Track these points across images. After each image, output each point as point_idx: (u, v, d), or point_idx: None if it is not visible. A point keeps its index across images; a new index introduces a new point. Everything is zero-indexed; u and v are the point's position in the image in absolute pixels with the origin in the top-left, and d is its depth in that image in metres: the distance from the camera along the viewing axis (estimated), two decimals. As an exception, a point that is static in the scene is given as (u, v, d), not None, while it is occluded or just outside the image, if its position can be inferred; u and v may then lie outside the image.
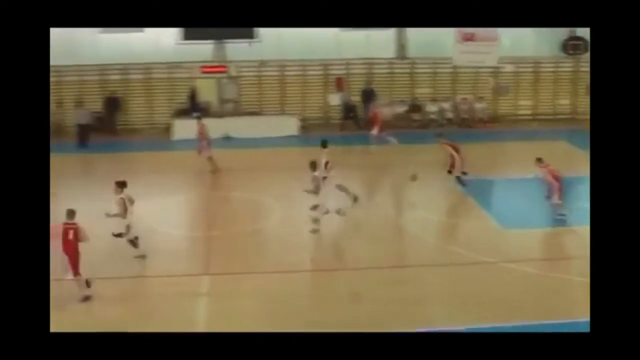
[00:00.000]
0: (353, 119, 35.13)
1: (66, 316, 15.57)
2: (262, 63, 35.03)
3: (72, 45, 34.37)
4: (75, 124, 32.49)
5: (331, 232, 20.43)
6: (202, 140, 26.55)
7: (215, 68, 34.63)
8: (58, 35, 33.81)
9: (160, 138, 32.77)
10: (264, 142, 30.71)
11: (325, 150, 22.28)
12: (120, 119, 34.73)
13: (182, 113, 33.97)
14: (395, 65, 36.12)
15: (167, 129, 33.63)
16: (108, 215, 18.03)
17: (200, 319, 15.36)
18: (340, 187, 21.86)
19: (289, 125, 33.49)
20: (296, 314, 15.31)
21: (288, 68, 35.42)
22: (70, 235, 16.05)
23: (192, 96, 34.42)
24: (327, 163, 21.43)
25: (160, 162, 28.81)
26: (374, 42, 35.68)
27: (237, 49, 34.39)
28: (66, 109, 33.42)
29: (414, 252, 19.45)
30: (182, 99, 34.64)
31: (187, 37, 33.40)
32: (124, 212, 18.12)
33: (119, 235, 18.28)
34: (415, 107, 35.64)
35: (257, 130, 32.55)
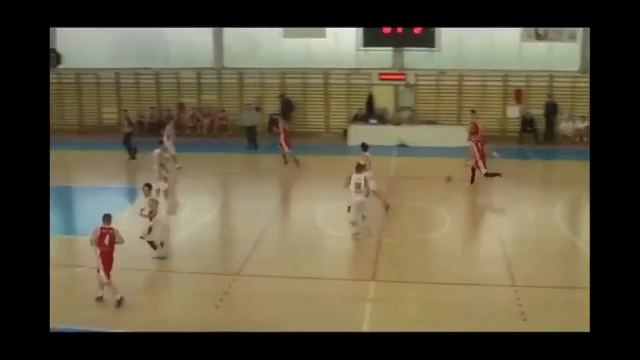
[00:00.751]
0: (532, 133, 34.15)
1: (234, 310, 16.00)
2: (441, 73, 34.67)
3: (255, 48, 35.53)
4: (242, 125, 33.38)
5: (514, 250, 19.80)
6: None
7: (394, 75, 34.63)
8: (241, 37, 35.61)
9: (336, 143, 33.07)
10: (439, 152, 30.32)
11: (366, 154, 22.46)
12: (296, 122, 35.42)
13: (359, 119, 34.17)
14: (578, 80, 34.74)
15: (343, 134, 33.92)
16: (141, 214, 18.61)
17: (364, 324, 15.26)
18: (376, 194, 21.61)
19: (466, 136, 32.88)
20: (461, 326, 14.90)
21: (467, 78, 34.86)
22: (107, 240, 15.97)
23: (370, 103, 34.56)
24: (360, 165, 21.12)
25: (335, 167, 29.00)
26: (557, 55, 34.53)
27: (417, 57, 34.22)
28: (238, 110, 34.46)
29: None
30: (359, 105, 34.84)
31: (367, 44, 33.61)
32: (152, 213, 18.58)
33: (149, 232, 18.80)
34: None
35: (433, 140, 32.22)
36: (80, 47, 37.03)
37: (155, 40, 36.29)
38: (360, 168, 20.61)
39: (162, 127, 35.09)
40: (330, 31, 34.16)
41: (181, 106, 36.42)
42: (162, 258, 18.89)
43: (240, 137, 34.32)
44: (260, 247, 20.05)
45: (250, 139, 32.84)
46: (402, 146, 31.56)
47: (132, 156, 30.30)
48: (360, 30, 33.54)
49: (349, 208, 20.55)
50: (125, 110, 33.68)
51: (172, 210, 22.83)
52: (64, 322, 13.79)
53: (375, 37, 33.32)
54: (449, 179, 24.96)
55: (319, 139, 33.44)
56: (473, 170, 25.68)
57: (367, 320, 15.41)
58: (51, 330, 9.57)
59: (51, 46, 36.75)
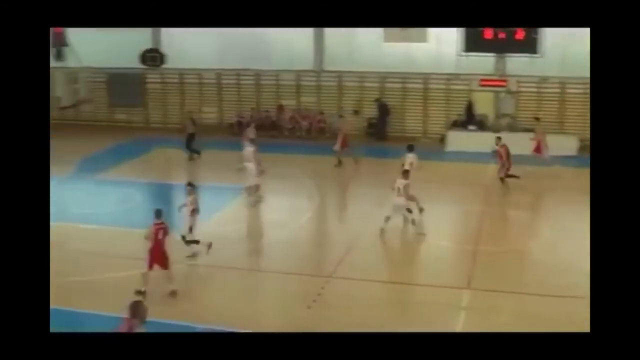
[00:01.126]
0: None
1: (327, 311, 16.06)
2: (543, 79, 33.99)
3: (354, 52, 35.63)
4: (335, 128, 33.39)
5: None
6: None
7: (495, 81, 34.10)
8: (340, 40, 35.75)
9: (433, 148, 32.81)
10: (540, 161, 29.68)
11: (410, 155, 23.48)
12: (394, 126, 35.33)
13: (458, 125, 33.84)
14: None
15: (441, 140, 33.66)
16: (180, 210, 19.12)
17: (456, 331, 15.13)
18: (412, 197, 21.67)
19: (568, 145, 32.05)
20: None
21: (569, 85, 34.06)
22: (160, 235, 16.82)
23: (469, 108, 34.18)
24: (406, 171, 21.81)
25: (431, 172, 28.78)
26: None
27: (518, 63, 33.64)
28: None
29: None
30: (458, 111, 34.50)
31: (468, 48, 33.26)
32: (193, 211, 19.02)
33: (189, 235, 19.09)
34: None
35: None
36: (184, 47, 37.85)
37: (256, 42, 36.76)
38: (405, 174, 21.22)
39: (261, 128, 35.72)
40: (431, 35, 33.95)
41: (280, 107, 36.78)
42: (195, 256, 19.22)
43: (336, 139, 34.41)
44: (354, 250, 20.07)
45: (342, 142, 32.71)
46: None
47: (192, 157, 30.74)
48: (462, 34, 33.20)
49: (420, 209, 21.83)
50: (189, 111, 34.13)
51: (254, 203, 23.30)
52: (155, 315, 14.12)
53: (476, 42, 32.92)
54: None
55: (416, 143, 33.20)
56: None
57: (459, 328, 15.26)
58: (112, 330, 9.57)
59: (155, 46, 37.79)
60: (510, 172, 25.83)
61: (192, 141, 30.93)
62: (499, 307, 16.40)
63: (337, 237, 21.52)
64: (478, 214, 22.97)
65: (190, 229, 19.05)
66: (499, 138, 26.52)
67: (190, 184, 19.61)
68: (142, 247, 18.99)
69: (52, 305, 16.04)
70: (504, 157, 26.01)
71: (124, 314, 12.15)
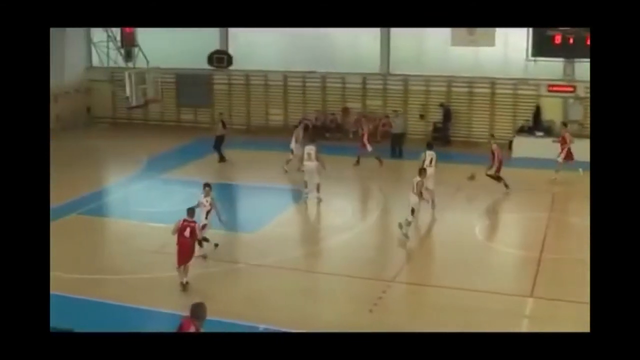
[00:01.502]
0: None
1: (388, 315, 15.99)
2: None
3: (420, 55, 35.49)
4: (397, 131, 33.21)
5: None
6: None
7: (563, 87, 33.56)
8: (407, 44, 35.66)
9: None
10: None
11: (429, 152, 23.95)
12: (460, 131, 35.05)
13: (524, 130, 33.38)
14: None
15: (507, 145, 33.24)
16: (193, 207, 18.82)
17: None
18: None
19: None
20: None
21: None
22: (187, 232, 17.11)
23: (536, 114, 33.70)
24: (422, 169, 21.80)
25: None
26: None
27: (587, 68, 33.03)
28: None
29: None
30: (526, 116, 34.03)
31: (537, 53, 32.83)
32: (210, 213, 19.25)
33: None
34: None
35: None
36: (250, 49, 38.19)
37: (322, 44, 36.88)
38: (421, 172, 21.31)
39: (326, 130, 35.80)
40: (499, 39, 33.61)
41: (345, 110, 36.79)
42: (205, 256, 19.31)
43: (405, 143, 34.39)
44: (416, 255, 19.97)
45: (396, 145, 32.62)
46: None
47: (222, 159, 30.90)
48: (530, 39, 32.82)
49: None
50: (220, 113, 34.15)
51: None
52: (216, 315, 14.22)
53: (545, 47, 32.48)
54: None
55: (481, 149, 32.82)
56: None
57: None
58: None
59: (222, 48, 38.19)
60: (498, 174, 26.03)
61: (221, 143, 31.09)
62: (561, 317, 16.13)
63: (400, 241, 21.42)
64: (544, 221, 22.62)
65: (203, 227, 19.17)
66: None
67: (207, 185, 19.86)
68: (205, 247, 19.29)
69: (115, 302, 16.57)
70: (497, 156, 26.39)
71: (185, 313, 12.27)
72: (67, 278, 17.80)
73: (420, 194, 20.91)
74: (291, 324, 15.13)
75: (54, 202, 23.97)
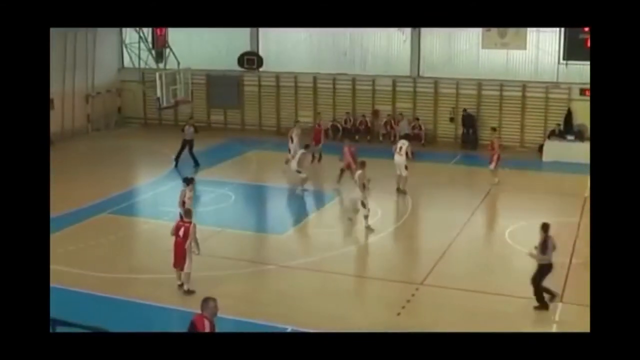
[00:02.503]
0: None
1: (416, 318, 15.94)
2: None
3: (451, 58, 35.36)
4: (402, 133, 33.06)
5: None
6: None
7: (596, 91, 33.26)
8: (438, 46, 35.56)
9: (530, 158, 32.22)
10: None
11: (402, 141, 25.92)
12: (486, 135, 34.87)
13: (556, 134, 33.11)
14: None
15: (538, 149, 33.00)
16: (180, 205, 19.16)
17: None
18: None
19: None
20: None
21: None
22: (181, 232, 17.09)
23: (568, 118, 33.41)
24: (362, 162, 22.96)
25: (528, 182, 28.32)
26: None
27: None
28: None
29: None
30: (557, 120, 33.75)
31: (569, 56, 32.57)
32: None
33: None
34: None
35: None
36: (281, 50, 38.25)
37: (352, 47, 36.89)
38: (362, 165, 22.62)
39: (357, 132, 35.76)
40: (531, 42, 33.41)
41: (375, 112, 36.74)
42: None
43: (432, 146, 34.25)
44: (446, 258, 19.88)
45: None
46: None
47: (197, 163, 30.50)
48: (562, 42, 32.59)
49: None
50: (191, 117, 33.10)
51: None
52: (245, 316, 14.21)
53: (577, 50, 32.16)
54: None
55: (512, 152, 32.62)
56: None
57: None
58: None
59: (253, 49, 38.28)
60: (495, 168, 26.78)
61: (191, 148, 30.63)
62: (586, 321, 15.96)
63: (429, 245, 21.33)
64: (574, 226, 22.41)
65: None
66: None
67: (189, 179, 20.58)
68: (235, 248, 19.30)
69: (139, 300, 16.67)
70: (496, 148, 26.74)
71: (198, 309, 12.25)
72: (97, 277, 17.94)
73: (361, 187, 21.68)
74: (319, 325, 15.13)
75: (85, 202, 24.52)
